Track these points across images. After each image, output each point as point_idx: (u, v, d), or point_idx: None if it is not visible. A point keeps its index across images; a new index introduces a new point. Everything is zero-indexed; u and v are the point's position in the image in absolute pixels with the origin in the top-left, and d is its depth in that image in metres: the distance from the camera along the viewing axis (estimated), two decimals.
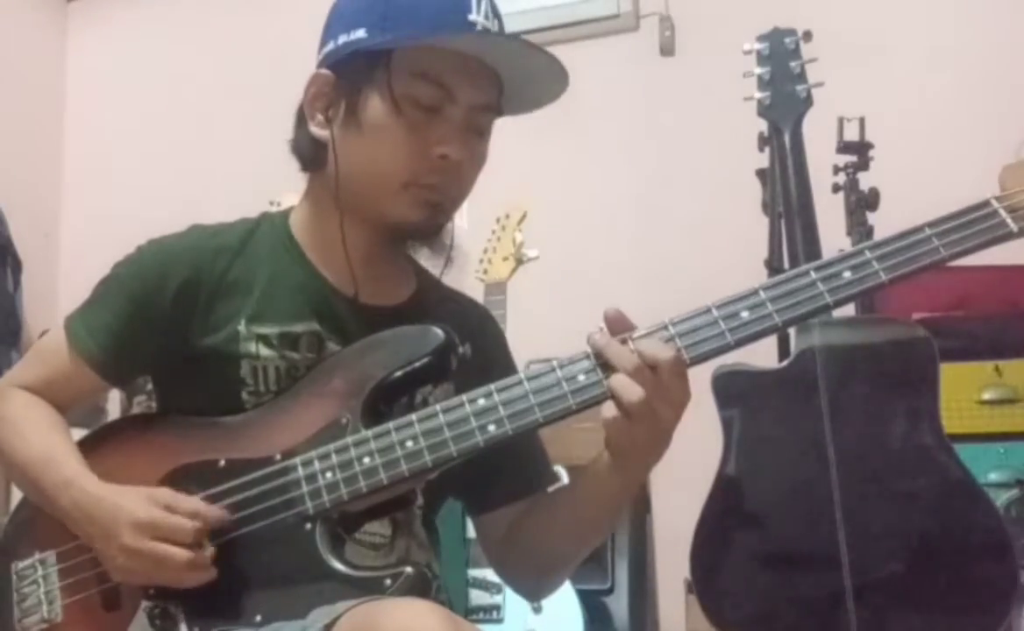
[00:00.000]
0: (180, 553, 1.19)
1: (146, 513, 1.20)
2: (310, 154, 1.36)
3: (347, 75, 1.31)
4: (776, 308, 1.15)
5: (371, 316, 1.34)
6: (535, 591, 1.52)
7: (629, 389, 1.12)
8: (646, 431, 1.14)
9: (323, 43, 1.35)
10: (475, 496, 1.46)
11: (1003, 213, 1.14)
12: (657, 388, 1.12)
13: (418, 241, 1.36)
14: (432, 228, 1.34)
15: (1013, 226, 1.13)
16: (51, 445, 1.33)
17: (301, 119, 1.37)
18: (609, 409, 1.14)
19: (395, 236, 1.34)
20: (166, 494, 1.23)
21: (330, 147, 1.32)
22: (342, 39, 1.31)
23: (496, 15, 1.31)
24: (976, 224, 1.14)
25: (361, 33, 1.29)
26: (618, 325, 1.18)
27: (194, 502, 1.23)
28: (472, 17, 1.27)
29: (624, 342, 1.15)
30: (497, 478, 1.40)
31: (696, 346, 1.16)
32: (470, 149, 1.30)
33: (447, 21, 1.26)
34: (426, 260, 1.42)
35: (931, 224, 1.15)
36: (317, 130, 1.34)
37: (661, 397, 1.12)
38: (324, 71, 1.33)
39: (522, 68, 1.30)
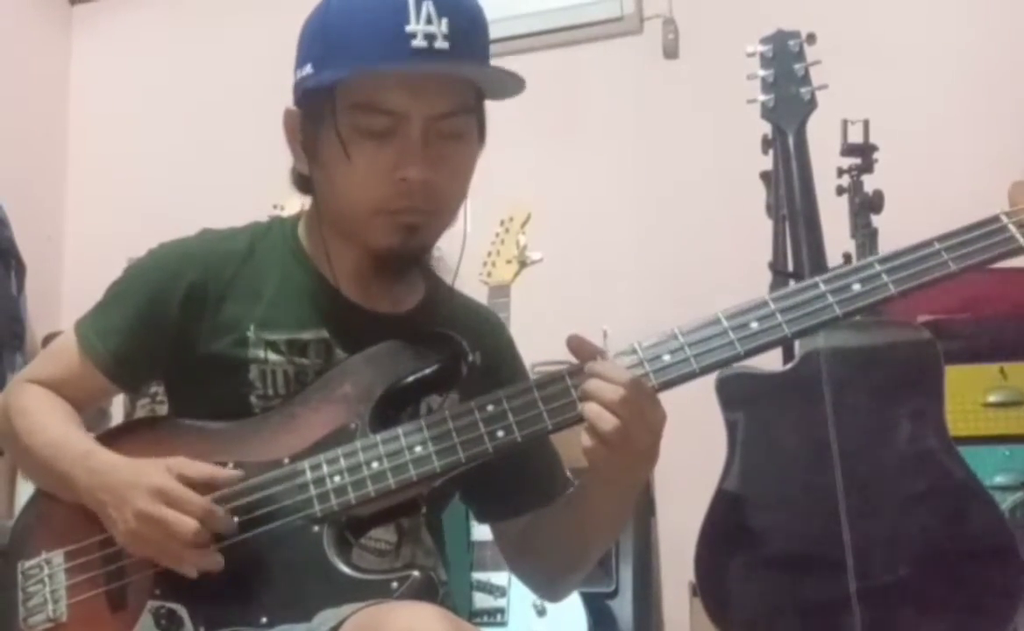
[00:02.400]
0: (190, 522, 1.19)
1: (163, 480, 1.21)
2: (302, 185, 1.38)
3: (307, 112, 1.31)
4: (786, 319, 1.17)
5: (380, 323, 1.35)
6: (550, 593, 1.53)
7: (604, 419, 1.13)
8: (625, 456, 1.16)
9: (294, 73, 1.34)
10: (489, 506, 1.47)
11: (1012, 228, 1.16)
12: (631, 415, 1.13)
13: (403, 265, 1.34)
14: (413, 249, 1.31)
15: (1022, 241, 1.15)
16: (66, 429, 1.35)
17: None
18: (586, 438, 1.15)
19: (382, 262, 1.32)
20: (180, 462, 1.24)
21: (310, 180, 1.34)
22: (297, 74, 1.31)
23: (444, 11, 1.23)
24: (986, 239, 1.16)
25: (308, 69, 1.28)
26: (583, 351, 1.19)
27: (208, 467, 1.24)
28: (410, 27, 1.21)
29: (567, 389, 1.17)
30: (511, 489, 1.40)
31: (706, 355, 1.17)
32: (435, 162, 1.26)
33: (383, 43, 1.22)
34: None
35: (940, 238, 1.16)
36: (299, 164, 1.35)
37: (636, 424, 1.13)
38: (291, 109, 1.34)
39: (473, 71, 1.28)
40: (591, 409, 1.14)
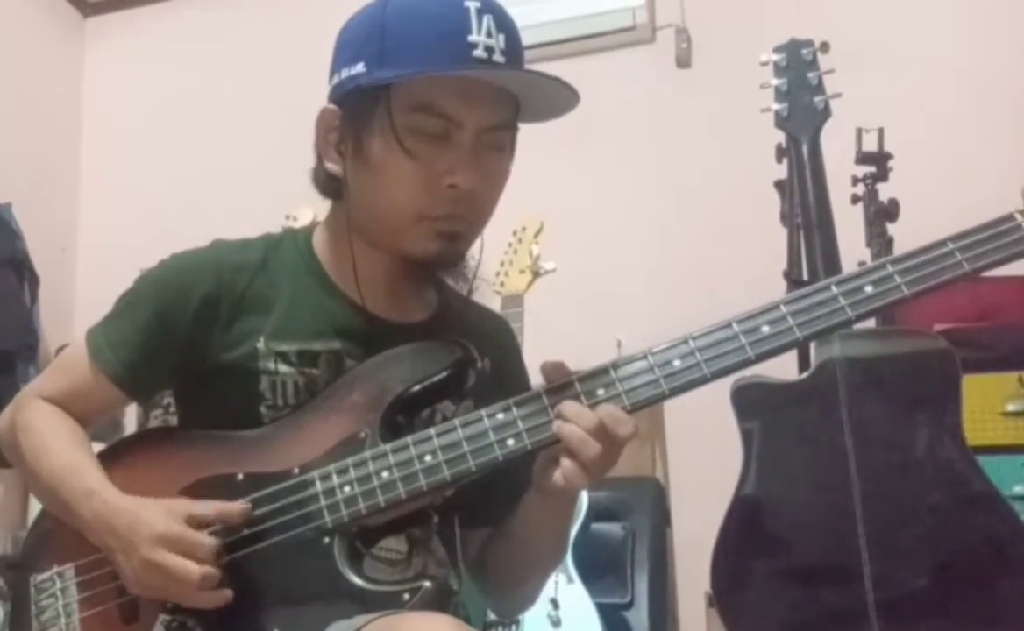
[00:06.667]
0: (195, 569, 1.18)
1: (165, 526, 1.20)
2: (327, 186, 1.36)
3: (351, 110, 1.30)
4: (797, 323, 1.16)
5: (393, 333, 1.34)
6: (504, 606, 1.55)
7: (588, 446, 1.15)
8: (593, 476, 1.18)
9: (331, 74, 1.34)
10: (464, 513, 1.43)
11: None
12: (612, 445, 1.16)
13: (438, 272, 1.35)
14: (451, 258, 1.32)
15: None
16: (73, 456, 1.33)
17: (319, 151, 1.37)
18: (566, 458, 1.17)
19: (414, 268, 1.33)
20: (185, 504, 1.23)
21: (344, 181, 1.32)
22: (344, 73, 1.29)
23: (502, 28, 1.26)
24: (999, 238, 1.15)
25: (360, 67, 1.27)
26: (556, 376, 1.21)
27: (213, 505, 1.23)
28: (472, 38, 1.23)
29: (577, 395, 1.19)
30: (486, 498, 1.38)
31: (717, 360, 1.16)
32: (483, 172, 1.28)
33: (445, 49, 1.23)
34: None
35: (954, 238, 1.15)
36: (331, 165, 1.33)
37: (614, 452, 1.17)
38: (331, 106, 1.32)
39: (528, 86, 1.28)
40: (575, 434, 1.16)
